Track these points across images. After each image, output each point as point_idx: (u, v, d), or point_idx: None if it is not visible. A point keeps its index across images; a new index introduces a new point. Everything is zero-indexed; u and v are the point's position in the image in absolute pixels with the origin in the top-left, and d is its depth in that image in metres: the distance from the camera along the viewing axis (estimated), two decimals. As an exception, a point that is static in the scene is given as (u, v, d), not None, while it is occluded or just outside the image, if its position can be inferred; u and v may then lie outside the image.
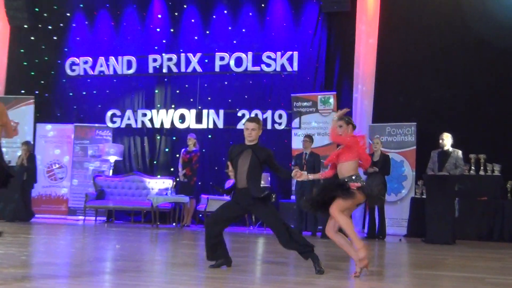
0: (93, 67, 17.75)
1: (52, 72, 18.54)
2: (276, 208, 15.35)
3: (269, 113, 16.26)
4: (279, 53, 16.48)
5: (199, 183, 16.42)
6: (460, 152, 12.67)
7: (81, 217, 16.67)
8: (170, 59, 17.24)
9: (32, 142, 16.72)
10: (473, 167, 14.07)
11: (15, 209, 15.50)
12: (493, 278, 7.33)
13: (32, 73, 18.54)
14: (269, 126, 16.15)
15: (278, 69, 16.50)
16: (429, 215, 12.54)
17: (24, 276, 6.39)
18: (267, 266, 7.96)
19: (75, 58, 17.90)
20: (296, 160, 13.95)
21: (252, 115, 16.19)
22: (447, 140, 12.67)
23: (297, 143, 15.68)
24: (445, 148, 12.67)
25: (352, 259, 7.28)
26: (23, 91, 18.10)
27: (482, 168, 14.01)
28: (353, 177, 7.10)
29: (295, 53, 16.38)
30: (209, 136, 17.25)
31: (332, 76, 16.53)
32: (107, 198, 16.43)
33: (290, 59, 16.39)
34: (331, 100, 15.73)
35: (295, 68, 16.37)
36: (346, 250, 7.24)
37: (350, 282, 6.77)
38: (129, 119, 17.32)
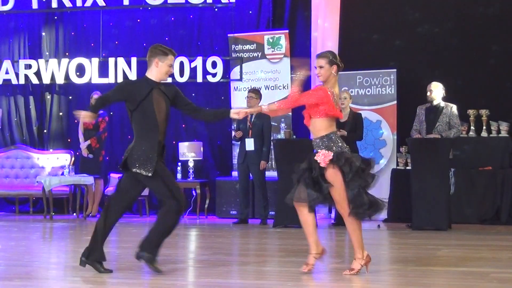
0: None
1: None
2: (213, 188, 15.53)
3: (199, 61, 16.22)
4: (209, -22, 16.45)
5: (107, 158, 16.38)
6: (455, 107, 12.85)
7: None
8: (61, -10, 17.05)
9: None
10: (472, 127, 14.30)
11: None
12: (500, 273, 7.53)
13: None
14: (199, 79, 16.14)
15: (209, 0, 16.48)
16: (416, 192, 12.72)
17: None
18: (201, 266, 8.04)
19: None
20: (238, 124, 14.02)
21: (176, 63, 16.11)
22: (437, 91, 12.81)
23: (238, 101, 15.71)
24: (435, 102, 12.83)
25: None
26: None
27: (484, 127, 14.24)
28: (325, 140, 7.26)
29: (232, -22, 16.37)
30: (119, 94, 17.16)
31: (283, 9, 16.55)
32: (-20, 181, 16.33)
33: (225, -14, 16.37)
34: (282, 41, 15.78)
35: (232, -2, 16.37)
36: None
37: (313, 284, 6.89)
38: (7, 72, 17.08)
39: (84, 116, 7.77)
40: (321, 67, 7.37)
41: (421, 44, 15.31)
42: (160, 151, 7.55)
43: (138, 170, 7.38)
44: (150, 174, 7.36)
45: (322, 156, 7.08)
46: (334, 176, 7.09)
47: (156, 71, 7.58)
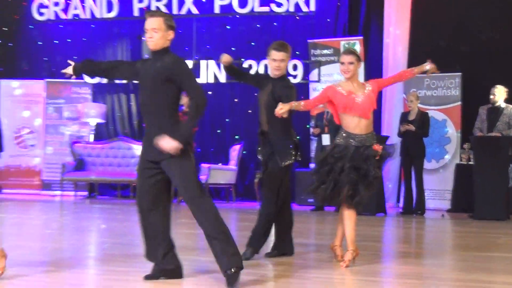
0: (65, 10, 17.74)
1: (17, 17, 18.56)
2: (292, 178, 15.55)
3: (281, 64, 16.26)
4: (292, -10, 16.47)
5: (199, 150, 16.53)
6: (514, 108, 12.74)
7: (57, 192, 16.92)
8: (159, -1, 17.27)
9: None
10: (531, 126, 14.09)
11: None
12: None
13: (-8, 18, 18.60)
14: (281, 79, 16.18)
15: (292, 9, 16.50)
16: (478, 186, 12.60)
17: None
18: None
19: (44, -1, 17.93)
20: (316, 121, 14.02)
21: (261, 66, 16.24)
22: (499, 94, 12.68)
23: (316, 100, 15.70)
24: (497, 104, 12.70)
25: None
26: (-18, 41, 18.20)
27: (542, 127, 14.04)
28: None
29: (312, -10, 16.37)
30: (209, 93, 17.30)
31: (358, 18, 16.49)
32: (88, 168, 16.61)
33: (306, -3, 16.38)
34: (357, 47, 15.71)
35: (312, 8, 16.35)
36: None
37: (383, 266, 6.89)
38: (112, 73, 17.33)
39: None
40: (351, 63, 7.13)
41: (483, 49, 15.09)
42: (263, 143, 7.46)
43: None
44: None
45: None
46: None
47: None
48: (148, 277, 5.86)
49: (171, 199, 5.99)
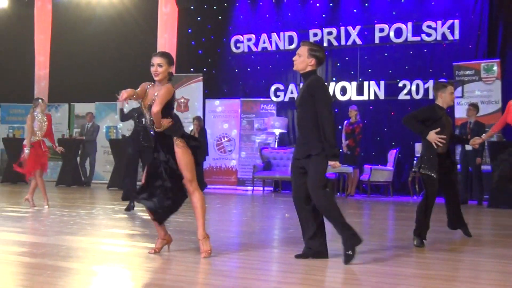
0: (256, 44, 18.24)
1: (218, 50, 19.24)
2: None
3: (430, 83, 16.04)
4: (439, 22, 16.19)
5: (362, 154, 16.52)
6: None
7: (249, 187, 17.33)
8: (330, 33, 17.36)
9: (202, 117, 17.38)
10: None
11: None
12: None
13: (200, 52, 19.32)
14: (431, 96, 15.95)
15: (439, 38, 16.24)
16: None
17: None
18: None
19: (239, 36, 18.47)
20: (460, 129, 13.74)
21: (413, 85, 16.11)
22: None
23: (460, 112, 15.37)
24: None
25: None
26: (192, 69, 18.91)
27: None
28: None
29: (456, 21, 16.03)
30: (371, 108, 17.27)
31: (495, 43, 16.03)
32: (274, 169, 16.90)
33: (451, 28, 16.06)
34: (495, 68, 15.27)
35: (457, 36, 16.04)
36: None
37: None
38: (292, 92, 17.66)
39: None
40: None
41: None
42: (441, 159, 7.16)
43: (424, 171, 7.08)
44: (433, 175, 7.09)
45: None
46: None
47: (441, 101, 7.17)
48: (298, 256, 5.92)
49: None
